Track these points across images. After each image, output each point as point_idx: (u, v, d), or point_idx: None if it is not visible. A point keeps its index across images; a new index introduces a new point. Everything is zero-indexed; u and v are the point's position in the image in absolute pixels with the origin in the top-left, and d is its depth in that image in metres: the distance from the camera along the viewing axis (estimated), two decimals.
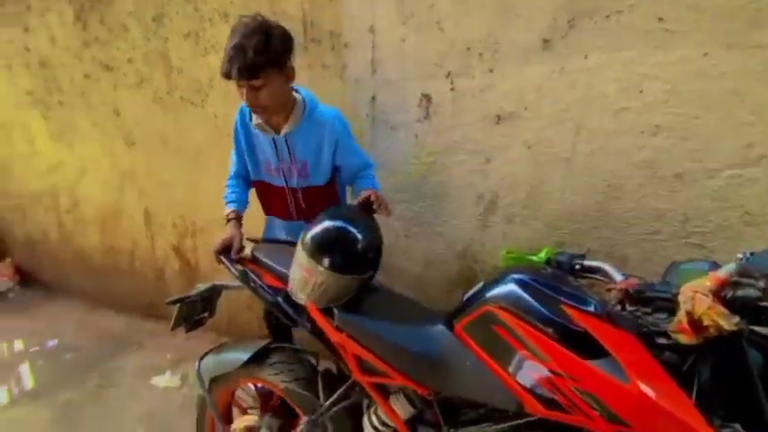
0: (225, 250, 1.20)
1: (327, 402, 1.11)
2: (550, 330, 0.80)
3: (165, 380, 1.85)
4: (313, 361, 1.22)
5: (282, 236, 1.41)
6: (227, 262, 1.19)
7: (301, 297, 1.05)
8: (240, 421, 1.26)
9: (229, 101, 1.78)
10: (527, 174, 1.38)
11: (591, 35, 1.19)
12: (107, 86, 2.04)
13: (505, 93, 1.33)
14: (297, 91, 1.23)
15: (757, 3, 1.04)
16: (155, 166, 2.08)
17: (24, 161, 2.56)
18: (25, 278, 2.89)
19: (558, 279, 0.91)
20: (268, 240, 1.38)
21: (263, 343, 1.19)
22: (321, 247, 0.99)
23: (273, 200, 1.36)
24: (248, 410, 1.32)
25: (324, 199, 1.31)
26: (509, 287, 0.90)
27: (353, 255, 1.02)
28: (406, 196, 1.60)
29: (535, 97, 1.30)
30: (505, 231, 1.49)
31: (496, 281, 0.94)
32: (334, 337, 1.02)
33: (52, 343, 2.20)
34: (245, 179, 1.38)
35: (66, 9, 1.96)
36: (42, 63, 2.18)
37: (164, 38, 1.80)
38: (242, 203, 1.34)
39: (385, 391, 1.07)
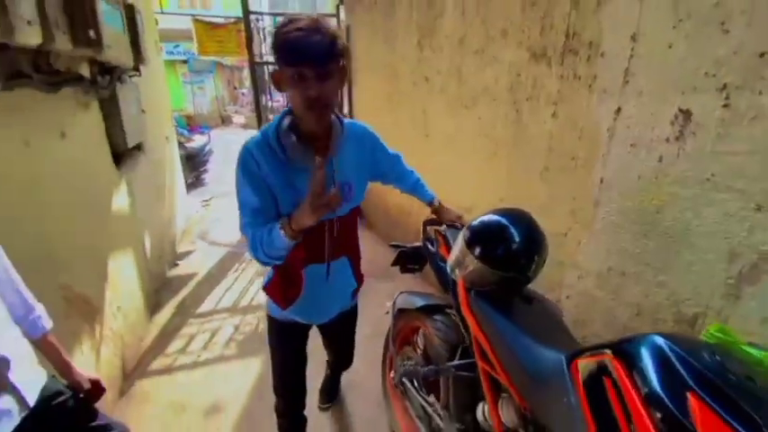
0: (429, 222, 1.53)
1: (452, 364, 1.27)
2: (652, 407, 0.66)
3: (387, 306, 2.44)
4: (465, 334, 1.38)
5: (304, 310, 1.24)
6: (424, 230, 1.52)
7: (455, 273, 1.23)
8: (405, 350, 1.62)
9: (492, 107, 2.04)
10: None
11: None
12: (423, 93, 2.75)
13: None
14: None
15: None
16: (439, 155, 2.65)
17: None
18: None
19: (719, 366, 0.67)
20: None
21: (440, 302, 1.46)
22: (476, 237, 1.13)
23: (309, 244, 1.08)
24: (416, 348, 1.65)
25: (352, 229, 1.24)
26: (643, 344, 0.76)
27: (503, 253, 1.09)
28: (629, 226, 1.38)
29: None
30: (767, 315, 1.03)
31: (642, 335, 0.79)
32: (465, 312, 1.16)
33: None
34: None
35: (413, 36, 2.76)
36: (394, 74, 3.16)
37: (461, 55, 2.25)
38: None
39: (497, 389, 1.11)
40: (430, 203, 1.43)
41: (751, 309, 1.07)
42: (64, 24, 1.46)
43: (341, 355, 1.67)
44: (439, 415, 1.39)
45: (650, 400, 0.66)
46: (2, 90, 1.28)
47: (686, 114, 1.17)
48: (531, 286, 1.14)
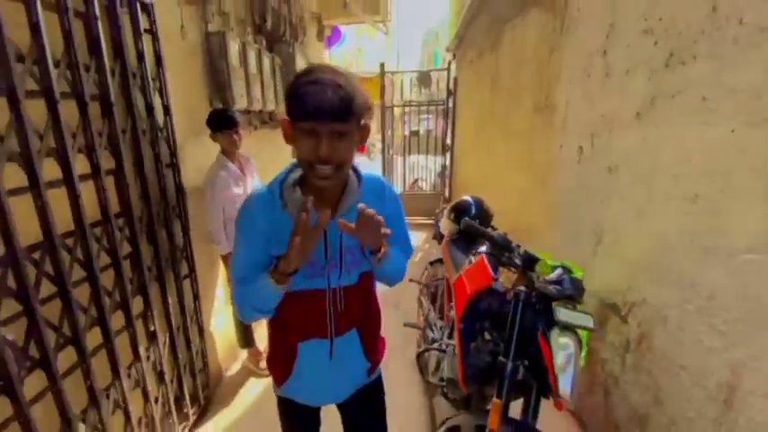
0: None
1: (435, 280, 2.29)
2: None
3: None
4: None
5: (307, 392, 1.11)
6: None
7: (442, 229, 2.26)
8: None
9: (517, 137, 2.94)
10: None
11: None
12: (487, 123, 3.73)
13: None
14: None
15: None
16: (489, 161, 3.58)
17: None
18: None
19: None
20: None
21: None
22: (451, 208, 2.16)
23: (305, 314, 1.01)
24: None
25: (365, 298, 1.09)
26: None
27: (461, 214, 2.10)
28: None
29: None
30: None
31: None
32: (443, 250, 2.17)
33: None
34: None
35: (487, 86, 3.76)
36: (479, 110, 4.18)
37: (505, 101, 3.19)
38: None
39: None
40: None
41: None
42: (282, 99, 3.08)
43: None
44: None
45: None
46: (257, 129, 2.91)
47: (581, 148, 1.98)
48: None
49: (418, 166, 6.34)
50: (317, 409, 1.22)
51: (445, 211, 2.23)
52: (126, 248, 1.55)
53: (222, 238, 2.17)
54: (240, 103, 2.44)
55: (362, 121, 0.88)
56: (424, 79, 5.79)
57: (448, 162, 5.77)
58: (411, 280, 2.49)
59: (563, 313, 1.18)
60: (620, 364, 1.68)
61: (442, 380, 1.78)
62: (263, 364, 2.41)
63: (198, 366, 2.10)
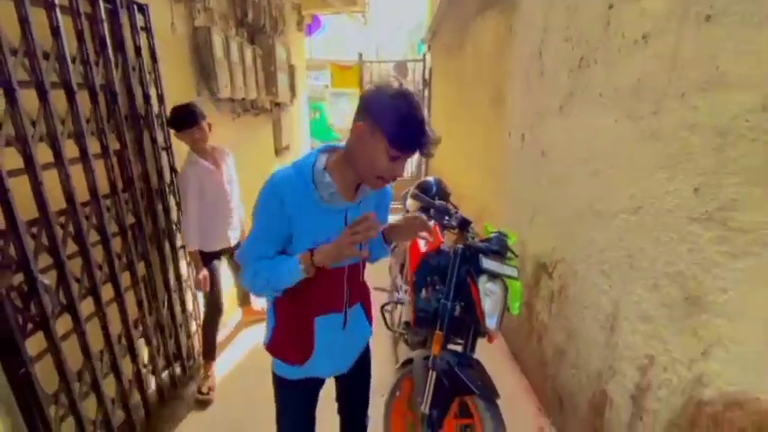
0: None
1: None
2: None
3: None
4: None
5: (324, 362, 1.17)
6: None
7: (410, 209, 2.58)
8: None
9: (475, 122, 3.27)
10: None
11: None
12: (456, 108, 4.05)
13: None
14: None
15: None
16: (458, 139, 3.91)
17: None
18: None
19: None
20: None
21: None
22: (416, 186, 2.48)
23: (324, 291, 1.10)
24: None
25: (362, 273, 1.22)
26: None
27: (425, 192, 2.42)
28: (523, 169, 2.52)
29: None
30: None
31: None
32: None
33: None
34: None
35: (454, 78, 4.07)
36: (449, 98, 4.49)
37: (468, 90, 3.50)
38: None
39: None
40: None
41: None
42: (263, 88, 3.31)
43: (356, 415, 1.44)
44: None
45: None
46: (239, 117, 3.14)
47: (523, 136, 2.31)
48: None
49: None
50: (321, 385, 1.28)
51: (411, 191, 2.55)
52: (130, 219, 1.80)
53: (191, 237, 2.08)
54: (224, 92, 2.68)
55: None
56: (400, 69, 6.06)
57: None
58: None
59: (486, 262, 1.52)
60: (547, 313, 2.06)
61: (403, 328, 2.12)
62: (206, 388, 2.19)
63: (192, 328, 2.38)
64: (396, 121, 0.90)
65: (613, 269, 1.51)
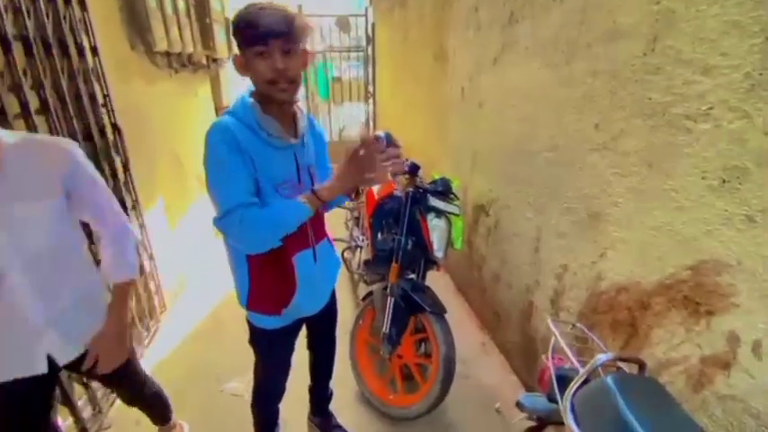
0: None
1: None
2: None
3: None
4: None
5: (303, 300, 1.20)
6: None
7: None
8: None
9: (419, 81, 3.41)
10: None
11: None
12: (400, 67, 4.15)
13: None
14: None
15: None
16: (404, 99, 4.06)
17: None
18: None
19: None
20: None
21: None
22: None
23: (296, 230, 1.04)
24: None
25: (321, 212, 1.25)
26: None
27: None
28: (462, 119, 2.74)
29: None
30: None
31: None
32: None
33: None
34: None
35: (400, 32, 4.13)
36: (396, 55, 4.54)
37: (414, 50, 3.61)
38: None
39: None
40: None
41: None
42: (199, 42, 3.16)
43: (327, 350, 1.60)
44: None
45: None
46: (177, 73, 3.00)
47: (463, 89, 2.51)
48: None
49: (345, 114, 6.51)
50: (300, 327, 1.36)
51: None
52: None
53: None
54: (161, 44, 2.54)
55: (303, 45, 0.97)
56: (343, 24, 5.90)
57: (371, 109, 6.10)
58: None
59: (433, 201, 1.74)
60: (485, 246, 2.36)
61: (363, 270, 2.33)
62: None
63: (152, 289, 2.41)
64: (241, 21, 0.92)
65: (537, 200, 1.79)
